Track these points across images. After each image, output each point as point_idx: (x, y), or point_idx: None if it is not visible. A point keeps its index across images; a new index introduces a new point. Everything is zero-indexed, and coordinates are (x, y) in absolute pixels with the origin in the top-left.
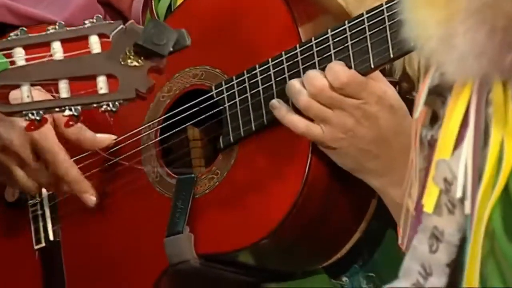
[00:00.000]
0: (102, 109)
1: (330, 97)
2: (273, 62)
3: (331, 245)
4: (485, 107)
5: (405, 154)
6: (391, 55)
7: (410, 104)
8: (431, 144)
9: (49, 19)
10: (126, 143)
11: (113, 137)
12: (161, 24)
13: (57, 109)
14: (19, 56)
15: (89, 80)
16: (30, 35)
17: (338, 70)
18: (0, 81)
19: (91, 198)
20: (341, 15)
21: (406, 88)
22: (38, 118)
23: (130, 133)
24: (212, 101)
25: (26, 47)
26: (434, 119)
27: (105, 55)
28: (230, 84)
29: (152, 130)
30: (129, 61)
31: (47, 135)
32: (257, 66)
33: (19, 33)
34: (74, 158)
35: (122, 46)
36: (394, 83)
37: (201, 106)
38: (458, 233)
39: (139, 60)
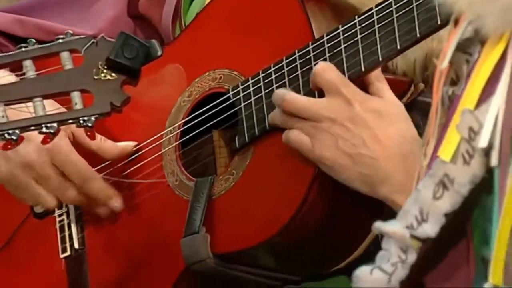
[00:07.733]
0: (79, 124)
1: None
2: (287, 61)
3: (344, 246)
4: None
5: (401, 159)
6: (398, 47)
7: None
8: (452, 100)
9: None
10: (147, 149)
11: (134, 143)
12: (131, 38)
13: (33, 128)
14: None
15: (63, 97)
16: (1, 54)
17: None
18: None
19: (115, 204)
20: (354, 14)
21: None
22: (14, 137)
23: (151, 139)
24: (229, 102)
25: None
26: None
27: (78, 71)
28: (246, 85)
29: (172, 135)
30: (102, 75)
31: (61, 147)
32: (271, 66)
33: None
34: (95, 168)
35: (95, 60)
36: (407, 82)
37: (218, 108)
38: (469, 185)
39: (112, 74)
